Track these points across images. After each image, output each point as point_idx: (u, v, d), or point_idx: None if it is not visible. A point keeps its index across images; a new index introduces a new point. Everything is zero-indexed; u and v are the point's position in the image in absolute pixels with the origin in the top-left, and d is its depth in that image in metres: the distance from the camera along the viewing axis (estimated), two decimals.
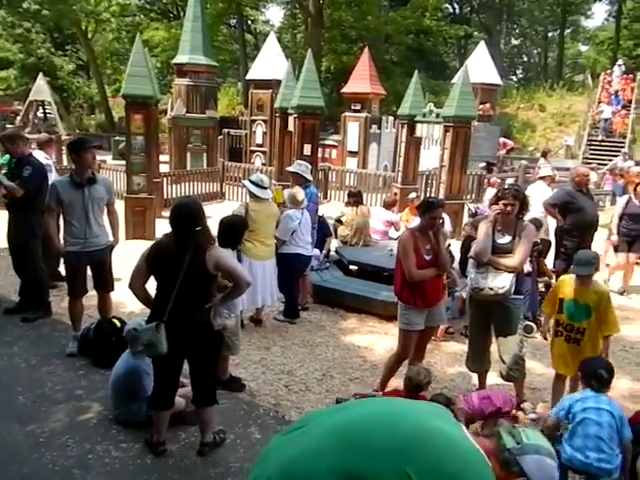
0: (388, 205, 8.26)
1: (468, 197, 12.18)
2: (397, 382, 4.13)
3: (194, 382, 3.39)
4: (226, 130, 16.17)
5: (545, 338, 4.23)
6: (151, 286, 3.29)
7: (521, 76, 42.54)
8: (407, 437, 1.28)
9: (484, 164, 15.56)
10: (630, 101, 20.95)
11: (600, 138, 19.58)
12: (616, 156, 16.33)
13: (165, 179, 11.22)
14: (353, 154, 15.26)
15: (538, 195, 6.81)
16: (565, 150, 20.50)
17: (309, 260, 5.97)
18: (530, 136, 22.81)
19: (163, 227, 3.33)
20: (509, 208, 3.85)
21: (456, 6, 37.19)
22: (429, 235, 3.98)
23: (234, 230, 4.25)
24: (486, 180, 12.50)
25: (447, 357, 5.14)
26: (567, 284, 3.90)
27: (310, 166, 6.65)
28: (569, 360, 3.84)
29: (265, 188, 5.29)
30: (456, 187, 9.83)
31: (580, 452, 2.99)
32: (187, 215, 3.13)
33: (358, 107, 15.52)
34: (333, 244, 7.37)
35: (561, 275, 6.65)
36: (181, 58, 14.82)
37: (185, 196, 9.55)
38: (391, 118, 15.66)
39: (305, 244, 5.70)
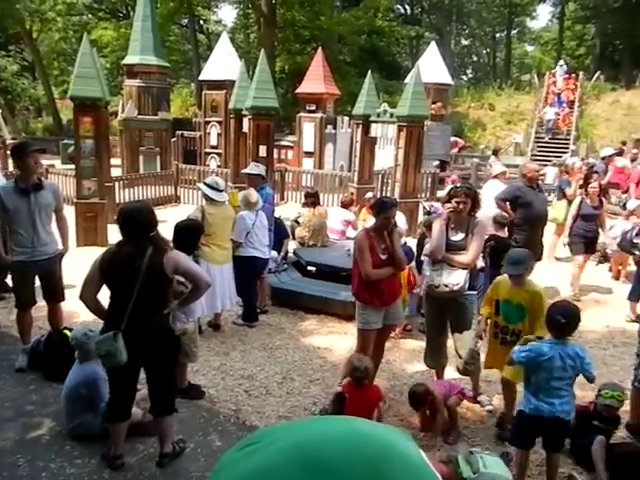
0: (345, 205, 8.32)
1: (423, 195, 12.39)
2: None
3: (152, 391, 3.31)
4: (180, 132, 15.89)
5: (480, 338, 4.13)
6: (103, 295, 3.20)
7: (471, 76, 43.65)
8: (368, 461, 1.25)
9: (438, 162, 15.88)
10: (573, 101, 21.80)
11: (546, 139, 20.29)
12: (564, 153, 16.99)
13: (117, 183, 10.93)
14: (309, 155, 15.26)
15: (494, 192, 6.96)
16: (514, 148, 21.12)
17: (266, 262, 5.94)
18: (481, 134, 23.43)
19: (116, 233, 3.24)
20: (461, 206, 3.95)
21: (407, 7, 37.80)
22: (384, 234, 4.03)
23: (189, 234, 4.19)
24: (447, 178, 12.76)
25: (406, 354, 5.22)
26: (502, 285, 3.86)
27: (265, 167, 6.62)
28: (504, 363, 3.67)
29: (221, 191, 5.23)
30: (411, 186, 9.98)
31: (545, 401, 3.03)
32: (140, 220, 3.07)
33: (313, 107, 15.52)
34: (291, 245, 7.36)
35: None
36: (131, 59, 14.47)
37: (135, 201, 9.31)
38: (346, 118, 15.75)
39: (261, 246, 5.67)
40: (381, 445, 1.28)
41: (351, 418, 1.37)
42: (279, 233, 6.74)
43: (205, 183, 5.26)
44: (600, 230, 7.16)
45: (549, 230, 8.46)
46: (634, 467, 2.69)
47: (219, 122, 15.31)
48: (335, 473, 1.19)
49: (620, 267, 7.79)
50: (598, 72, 25.70)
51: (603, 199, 7.37)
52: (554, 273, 7.80)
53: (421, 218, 7.97)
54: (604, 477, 2.81)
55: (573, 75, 23.12)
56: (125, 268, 3.02)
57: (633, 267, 6.89)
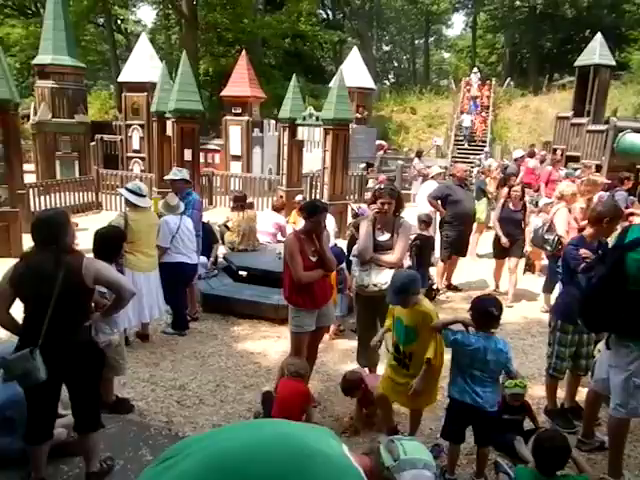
0: (277, 208, 8.29)
1: (351, 197, 12.60)
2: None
3: (75, 408, 3.14)
4: (99, 136, 15.23)
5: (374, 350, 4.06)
6: (15, 310, 3.00)
7: (393, 81, 44.91)
8: (287, 465, 1.24)
9: (364, 165, 16.22)
10: (488, 107, 23.00)
11: (465, 145, 21.19)
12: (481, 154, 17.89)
13: (31, 190, 10.29)
14: (237, 158, 15.14)
15: (430, 192, 7.28)
16: (436, 150, 22.01)
17: (194, 269, 5.80)
18: (404, 137, 24.22)
19: (31, 243, 3.05)
20: (386, 207, 4.06)
21: (329, 12, 38.37)
22: (313, 237, 4.05)
23: (110, 242, 4.00)
24: (377, 179, 13.01)
25: (339, 355, 5.27)
26: None
27: (192, 172, 6.49)
28: (397, 387, 3.55)
29: (143, 196, 5.05)
30: (339, 188, 10.13)
31: (469, 386, 3.14)
32: (55, 228, 2.91)
33: (239, 110, 15.41)
34: (221, 250, 7.25)
35: (445, 262, 7.16)
36: (43, 58, 13.70)
37: (48, 208, 8.80)
38: (273, 121, 15.75)
39: (188, 252, 5.53)
40: (300, 446, 1.27)
41: (271, 422, 1.36)
42: (208, 238, 6.62)
43: (127, 188, 5.05)
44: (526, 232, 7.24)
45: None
46: (555, 451, 2.86)
47: (141, 125, 14.83)
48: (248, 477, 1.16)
49: (535, 261, 8.29)
50: (509, 78, 27.34)
51: (526, 202, 7.56)
52: (477, 268, 8.19)
53: (350, 220, 8.10)
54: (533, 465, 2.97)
55: (487, 82, 24.43)
56: (39, 280, 2.85)
57: (546, 261, 7.34)
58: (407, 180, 14.62)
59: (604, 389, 3.53)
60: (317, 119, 10.34)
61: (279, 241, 7.63)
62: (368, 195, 9.71)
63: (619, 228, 3.91)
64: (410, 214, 5.88)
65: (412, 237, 6.60)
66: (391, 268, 4.05)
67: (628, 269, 3.04)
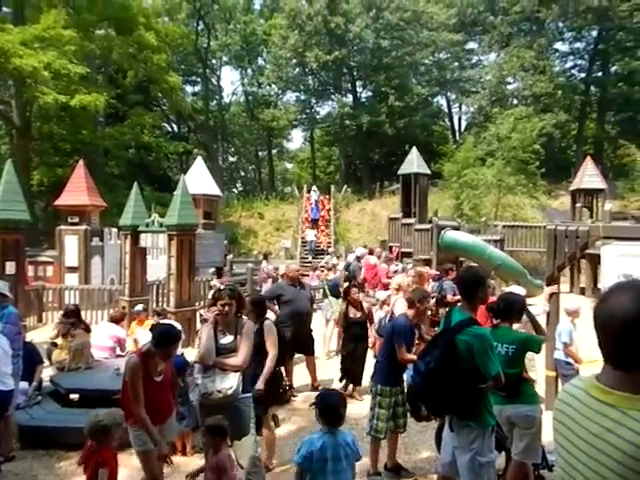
0: (116, 319, 7.61)
1: (200, 303, 12.18)
2: None
3: None
4: None
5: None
6: None
7: (241, 188, 46.48)
8: None
9: (214, 269, 15.97)
10: (329, 220, 24.47)
11: (309, 258, 21.46)
12: (327, 255, 18.81)
13: None
14: (73, 270, 14.05)
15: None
16: (285, 252, 22.72)
17: (9, 396, 4.91)
18: (254, 241, 24.78)
19: None
20: (227, 308, 3.91)
21: (174, 125, 39.36)
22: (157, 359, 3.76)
23: None
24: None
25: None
26: None
27: (14, 285, 5.74)
28: None
29: None
30: (186, 294, 9.80)
31: None
32: None
33: (76, 220, 14.56)
34: (47, 372, 6.33)
35: (288, 363, 6.97)
36: None
37: None
38: (115, 230, 15.06)
39: (2, 376, 4.70)
40: None
41: None
42: (30, 359, 5.75)
43: None
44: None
45: (320, 325, 9.04)
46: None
47: None
48: None
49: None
50: (345, 186, 29.93)
51: (364, 303, 7.65)
52: (330, 366, 8.18)
53: (199, 326, 7.71)
54: None
55: (326, 196, 26.36)
56: None
57: None
58: (257, 282, 14.64)
59: (452, 473, 3.54)
60: (161, 225, 10.09)
61: (118, 355, 6.94)
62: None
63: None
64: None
65: None
66: (236, 372, 3.83)
67: (459, 350, 3.23)
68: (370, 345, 7.01)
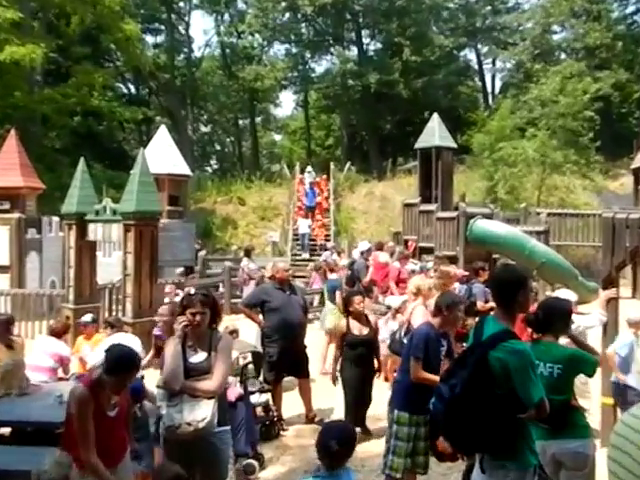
0: (57, 333, 7.63)
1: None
2: None
3: None
4: None
5: None
6: None
7: (216, 166, 46.51)
8: None
9: (182, 270, 15.98)
10: (327, 209, 24.28)
11: (304, 256, 21.32)
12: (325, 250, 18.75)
13: None
14: (3, 269, 14.10)
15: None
16: (272, 247, 22.67)
17: None
18: (233, 233, 24.67)
19: None
20: (198, 317, 3.90)
21: (131, 87, 39.28)
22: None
23: None
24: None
25: None
26: None
27: None
28: None
29: None
30: (147, 300, 9.80)
31: None
32: None
33: (7, 206, 14.67)
34: None
35: (275, 388, 6.98)
36: None
37: None
38: (56, 219, 15.09)
39: None
40: None
41: None
42: None
43: None
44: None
45: (318, 339, 9.05)
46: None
47: None
48: None
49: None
50: (349, 163, 29.89)
51: (370, 316, 7.56)
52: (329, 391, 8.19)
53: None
54: None
55: (324, 177, 26.03)
56: None
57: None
58: (237, 285, 14.67)
59: None
60: (114, 213, 10.09)
61: (60, 378, 6.96)
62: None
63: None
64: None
65: (244, 355, 6.47)
66: (210, 398, 3.83)
67: (493, 369, 3.21)
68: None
